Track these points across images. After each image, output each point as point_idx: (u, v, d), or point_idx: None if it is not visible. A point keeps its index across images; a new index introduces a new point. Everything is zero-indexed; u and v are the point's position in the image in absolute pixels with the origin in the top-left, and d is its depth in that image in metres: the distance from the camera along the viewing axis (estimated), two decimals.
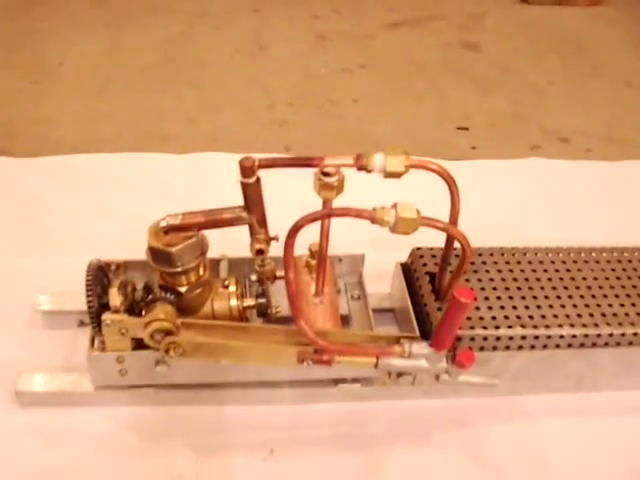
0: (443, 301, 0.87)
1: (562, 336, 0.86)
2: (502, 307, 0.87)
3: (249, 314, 0.87)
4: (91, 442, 0.82)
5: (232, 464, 0.81)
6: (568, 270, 0.94)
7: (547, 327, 0.86)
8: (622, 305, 0.90)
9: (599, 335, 0.87)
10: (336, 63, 1.88)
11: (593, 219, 1.24)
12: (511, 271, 0.93)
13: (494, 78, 1.86)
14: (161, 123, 1.56)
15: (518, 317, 0.86)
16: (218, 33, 1.95)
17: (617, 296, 0.91)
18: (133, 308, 0.81)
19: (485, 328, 0.84)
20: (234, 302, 0.84)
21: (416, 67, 1.89)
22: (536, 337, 0.85)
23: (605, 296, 0.91)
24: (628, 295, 0.91)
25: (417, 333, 0.86)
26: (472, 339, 0.84)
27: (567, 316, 0.87)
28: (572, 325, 0.86)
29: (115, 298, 0.79)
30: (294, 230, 0.72)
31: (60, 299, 0.95)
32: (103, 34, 1.87)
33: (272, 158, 0.75)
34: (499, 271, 0.92)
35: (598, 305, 0.89)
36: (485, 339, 0.85)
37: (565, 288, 0.91)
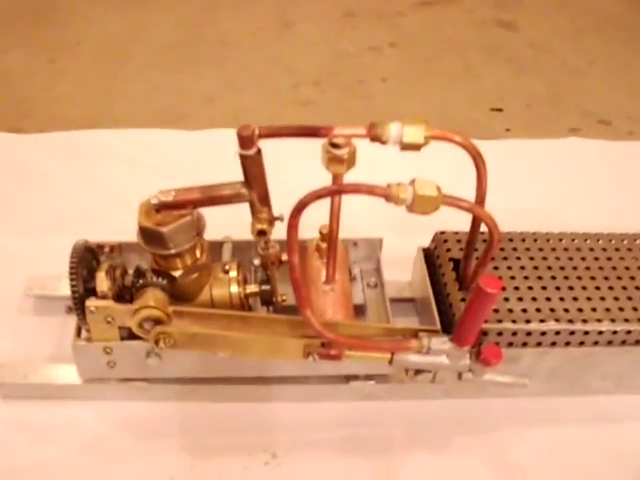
0: (468, 291, 0.78)
1: (601, 332, 0.76)
2: (534, 299, 0.78)
3: (253, 303, 0.79)
4: (77, 439, 0.75)
5: (230, 468, 0.74)
6: (609, 259, 0.84)
7: (584, 322, 0.76)
8: None
9: None
10: (365, 41, 1.79)
11: (636, 204, 1.14)
12: (545, 259, 0.83)
13: (530, 58, 1.75)
14: (179, 102, 1.50)
15: (552, 310, 0.77)
16: (242, 11, 1.87)
17: None
18: (123, 294, 0.73)
19: (514, 322, 0.75)
20: (235, 289, 0.76)
21: (449, 46, 1.79)
22: (572, 333, 0.76)
23: None
24: None
25: (438, 326, 0.77)
26: (499, 334, 0.75)
27: (607, 310, 0.78)
28: (613, 320, 0.77)
29: (102, 282, 0.72)
30: (298, 209, 0.64)
31: (52, 284, 0.88)
32: (124, 13, 1.80)
33: (274, 127, 0.67)
34: (531, 259, 0.83)
35: None
36: (514, 334, 0.76)
37: (605, 279, 0.81)
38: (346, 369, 0.78)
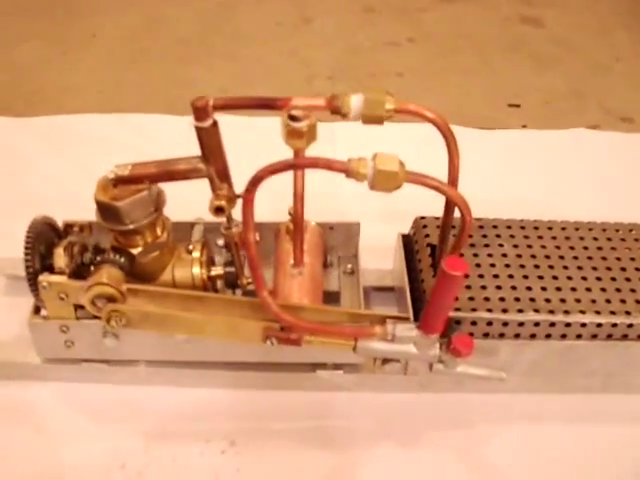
0: None
1: (584, 324, 0.71)
2: (514, 287, 0.73)
3: (220, 286, 0.76)
4: (31, 420, 0.73)
5: (185, 454, 0.71)
6: (599, 248, 0.79)
7: (566, 313, 0.71)
8: None
9: (631, 325, 0.72)
10: (383, 36, 1.76)
11: None
12: (530, 247, 0.78)
13: (553, 54, 1.70)
14: (190, 94, 1.46)
15: (532, 300, 0.72)
16: (262, 5, 1.86)
17: None
18: (81, 272, 0.71)
19: (490, 311, 0.71)
20: (197, 270, 0.73)
21: (469, 42, 1.75)
22: (552, 324, 0.71)
23: None
24: None
25: (410, 313, 0.73)
26: (474, 323, 0.71)
27: (593, 301, 0.73)
28: (598, 312, 0.72)
29: (59, 259, 0.70)
30: (253, 182, 0.61)
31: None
32: (142, 5, 1.80)
33: (229, 97, 0.64)
34: (515, 246, 0.78)
35: (633, 290, 0.74)
36: (489, 324, 0.71)
37: (594, 269, 0.76)
38: (313, 357, 0.74)
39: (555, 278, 0.75)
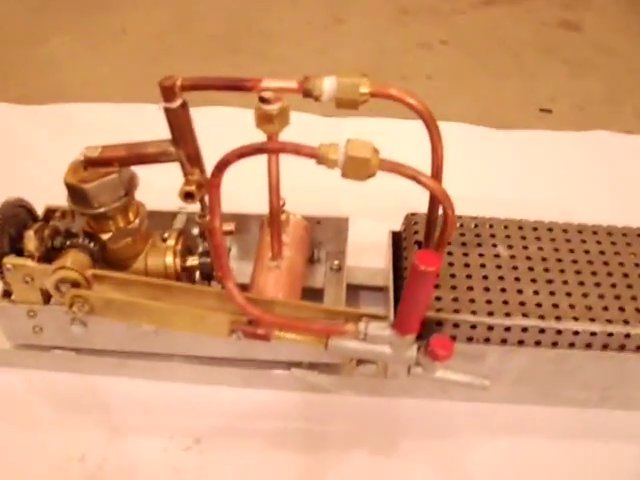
0: None
1: (577, 332, 0.66)
2: (503, 290, 0.69)
3: (196, 277, 0.73)
4: None
5: (148, 449, 0.68)
6: (602, 252, 0.74)
7: (558, 319, 0.66)
8: None
9: (628, 335, 0.66)
10: (415, 38, 1.72)
11: None
12: (526, 248, 0.74)
13: (591, 59, 1.63)
14: (212, 91, 1.47)
15: (521, 303, 0.68)
16: (294, 4, 1.84)
17: None
18: (51, 256, 0.69)
19: (474, 313, 0.66)
20: (169, 259, 0.70)
21: (504, 45, 1.69)
22: (542, 330, 0.67)
23: None
24: None
25: (391, 312, 0.69)
26: (456, 325, 0.67)
27: (588, 308, 0.68)
28: (592, 319, 0.66)
29: (30, 242, 0.68)
30: (219, 167, 0.58)
31: None
32: (174, 2, 1.80)
33: (197, 78, 0.62)
34: (510, 247, 0.74)
35: (634, 298, 0.69)
36: (473, 327, 0.67)
37: (593, 274, 0.71)
38: (287, 355, 0.71)
39: (550, 282, 0.70)
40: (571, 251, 0.74)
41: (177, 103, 0.62)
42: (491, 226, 0.76)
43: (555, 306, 0.68)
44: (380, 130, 1.19)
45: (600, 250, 0.74)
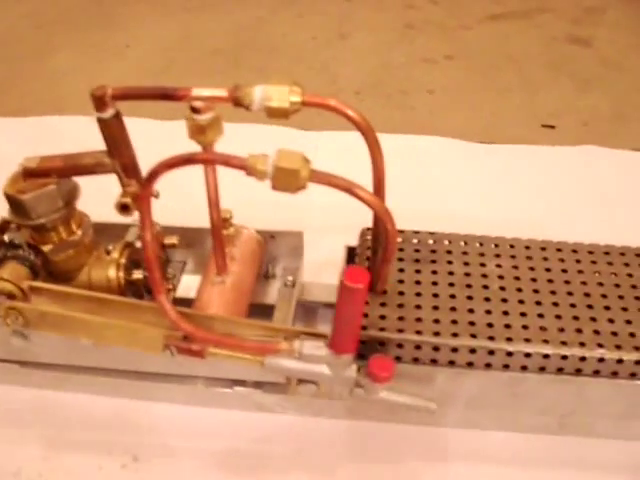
0: (373, 293, 0.67)
1: (528, 354, 0.63)
2: (453, 309, 0.66)
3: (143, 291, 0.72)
4: None
5: (84, 465, 0.67)
6: (564, 271, 0.70)
7: (509, 340, 0.63)
8: (629, 322, 0.65)
9: (583, 359, 0.63)
10: (419, 53, 1.70)
11: None
12: (483, 265, 0.70)
13: (599, 75, 1.59)
14: (224, 110, 1.47)
15: (471, 323, 0.64)
16: (300, 20, 1.84)
17: (625, 310, 0.66)
18: None
19: (419, 333, 0.63)
20: (112, 272, 0.69)
21: (510, 61, 1.67)
22: (491, 352, 0.63)
23: (607, 308, 0.66)
24: None
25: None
26: (400, 346, 0.64)
27: (542, 329, 0.64)
28: (546, 341, 0.63)
29: None
30: (148, 179, 0.57)
31: None
32: (180, 18, 1.82)
33: (128, 87, 0.60)
34: (466, 264, 0.71)
35: (593, 319, 0.65)
36: (418, 347, 0.64)
37: (552, 293, 0.68)
38: (230, 373, 0.69)
39: (504, 301, 0.67)
40: (531, 269, 0.70)
41: (109, 113, 0.60)
42: (450, 242, 0.73)
43: (507, 326, 0.64)
44: (358, 144, 1.18)
45: (562, 268, 0.70)
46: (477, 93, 1.54)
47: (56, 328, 0.65)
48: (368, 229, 0.75)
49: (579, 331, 0.64)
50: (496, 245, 0.73)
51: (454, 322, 0.64)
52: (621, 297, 0.67)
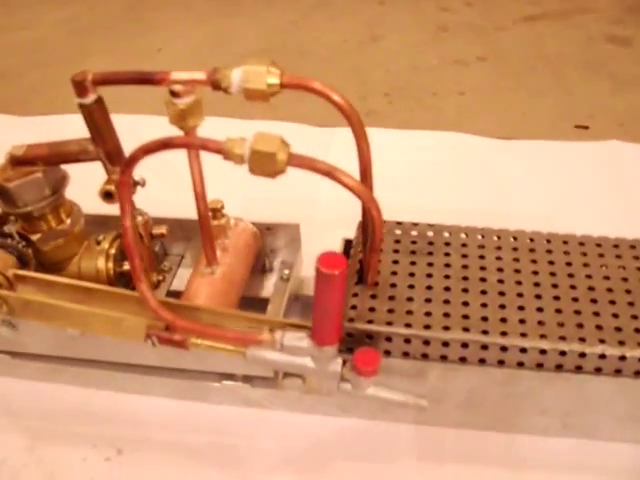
0: (364, 285, 0.65)
1: (524, 349, 0.59)
2: (446, 301, 0.63)
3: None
4: None
5: (69, 457, 0.66)
6: (568, 264, 0.66)
7: (503, 334, 0.60)
8: (635, 317, 0.61)
9: (583, 355, 0.59)
10: (452, 55, 1.67)
11: None
12: (482, 257, 0.67)
13: (638, 75, 1.53)
14: (240, 109, 1.46)
15: (465, 317, 0.61)
16: (332, 23, 1.83)
17: (632, 304, 0.62)
18: None
19: (408, 326, 0.61)
20: (101, 263, 0.68)
21: (545, 62, 1.62)
22: (484, 347, 0.60)
23: (613, 303, 0.62)
24: None
25: None
26: (388, 339, 0.61)
27: (541, 323, 0.61)
28: (543, 336, 0.59)
29: None
30: (126, 164, 0.56)
31: None
32: (212, 23, 1.82)
33: (108, 72, 0.60)
34: (464, 256, 0.67)
35: (596, 314, 0.61)
36: (408, 341, 0.61)
37: (554, 286, 0.64)
38: (217, 366, 0.67)
39: (501, 294, 0.63)
40: (533, 261, 0.67)
41: (91, 99, 0.60)
42: (449, 234, 0.70)
43: (503, 320, 0.61)
44: (372, 142, 1.15)
45: (567, 261, 0.67)
46: (509, 94, 1.50)
47: (41, 317, 0.64)
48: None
49: (580, 326, 0.60)
50: (498, 237, 0.70)
51: (446, 315, 0.62)
52: (628, 291, 0.63)
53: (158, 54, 1.69)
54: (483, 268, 0.66)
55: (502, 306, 0.62)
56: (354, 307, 0.62)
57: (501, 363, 0.61)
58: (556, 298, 0.63)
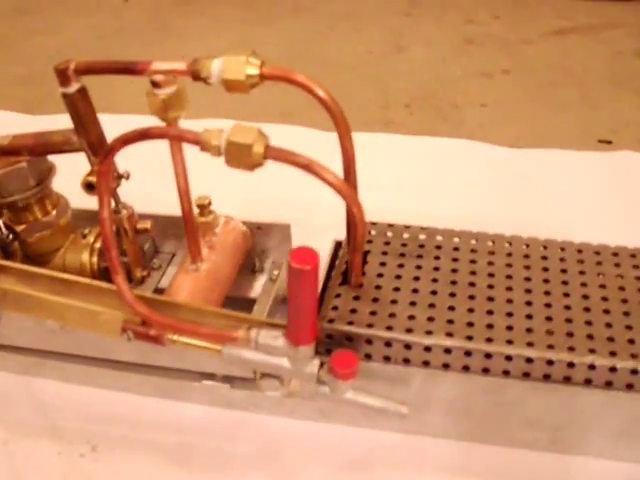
0: (348, 286, 0.63)
1: (509, 357, 0.57)
2: (432, 305, 0.60)
3: None
4: None
5: (43, 452, 0.65)
6: (563, 271, 0.64)
7: (488, 341, 0.57)
8: (629, 328, 0.58)
9: (572, 365, 0.56)
10: (476, 67, 1.65)
11: None
12: (473, 262, 0.65)
13: None
14: (256, 115, 1.46)
15: (449, 321, 0.59)
16: (357, 34, 1.82)
17: (627, 314, 0.59)
18: None
19: (390, 329, 0.58)
20: (85, 257, 0.68)
21: (570, 75, 1.59)
22: (468, 353, 0.58)
23: (607, 312, 0.59)
24: None
25: None
26: (369, 342, 0.59)
27: (529, 330, 0.58)
28: (530, 344, 0.57)
29: None
30: (105, 154, 0.56)
31: None
32: (237, 31, 1.83)
33: (91, 61, 0.60)
34: (454, 260, 0.65)
35: (588, 323, 0.58)
36: (388, 345, 0.59)
37: (546, 293, 0.61)
38: (196, 364, 0.65)
39: (490, 300, 0.61)
40: (527, 267, 0.64)
41: (74, 88, 0.59)
42: (441, 237, 0.68)
43: (489, 326, 0.58)
44: (381, 146, 1.13)
45: (562, 268, 0.64)
46: (531, 108, 1.47)
47: (18, 307, 0.64)
48: None
49: (570, 335, 0.58)
50: (493, 242, 0.67)
51: (430, 319, 0.59)
52: (625, 301, 0.60)
53: (180, 60, 1.69)
54: (473, 273, 0.64)
55: (490, 312, 0.60)
56: (335, 308, 0.61)
57: (486, 371, 0.58)
58: (547, 305, 0.60)
